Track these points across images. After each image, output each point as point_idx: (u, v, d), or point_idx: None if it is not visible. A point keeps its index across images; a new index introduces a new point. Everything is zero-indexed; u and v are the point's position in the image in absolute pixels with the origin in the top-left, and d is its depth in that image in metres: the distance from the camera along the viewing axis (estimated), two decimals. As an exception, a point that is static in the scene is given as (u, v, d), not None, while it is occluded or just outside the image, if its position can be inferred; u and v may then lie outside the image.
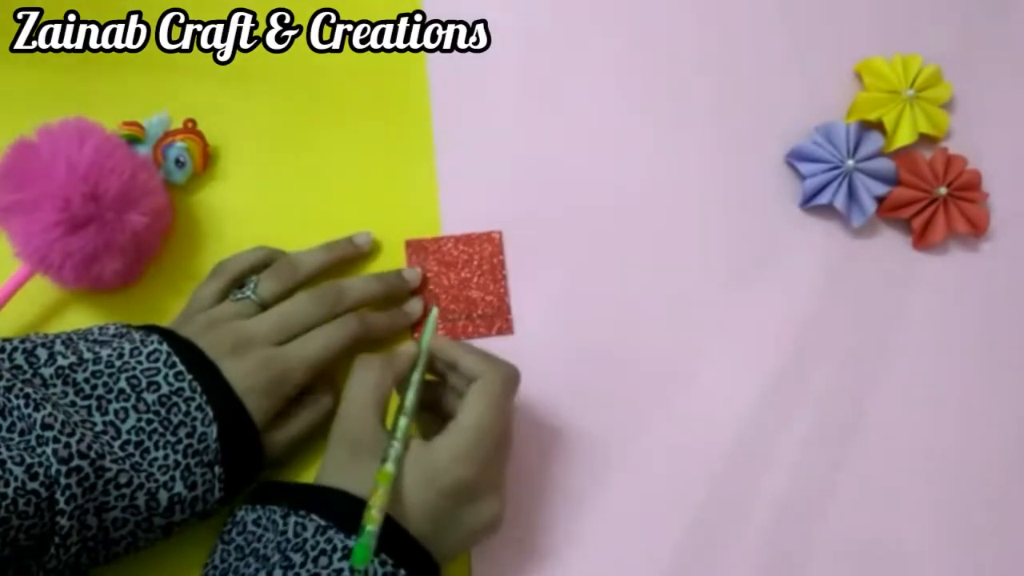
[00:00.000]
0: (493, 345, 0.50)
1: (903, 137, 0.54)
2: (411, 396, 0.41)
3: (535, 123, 0.55)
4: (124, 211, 0.45)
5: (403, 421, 0.40)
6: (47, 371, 0.39)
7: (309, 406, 0.45)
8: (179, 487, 0.39)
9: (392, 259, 0.52)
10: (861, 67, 0.57)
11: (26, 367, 0.39)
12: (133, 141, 0.50)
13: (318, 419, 0.45)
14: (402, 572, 0.37)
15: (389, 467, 0.38)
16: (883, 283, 0.53)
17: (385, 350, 0.49)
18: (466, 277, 0.51)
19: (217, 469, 0.40)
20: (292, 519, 0.37)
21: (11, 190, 0.44)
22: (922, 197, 0.53)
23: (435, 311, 0.46)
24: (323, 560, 0.36)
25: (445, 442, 0.39)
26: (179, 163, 0.50)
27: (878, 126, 0.55)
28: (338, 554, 0.36)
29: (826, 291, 0.53)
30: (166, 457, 0.39)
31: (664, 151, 0.55)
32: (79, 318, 0.49)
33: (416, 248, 0.52)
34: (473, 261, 0.51)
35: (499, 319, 0.51)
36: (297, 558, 0.36)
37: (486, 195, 0.53)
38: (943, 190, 0.53)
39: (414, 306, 0.50)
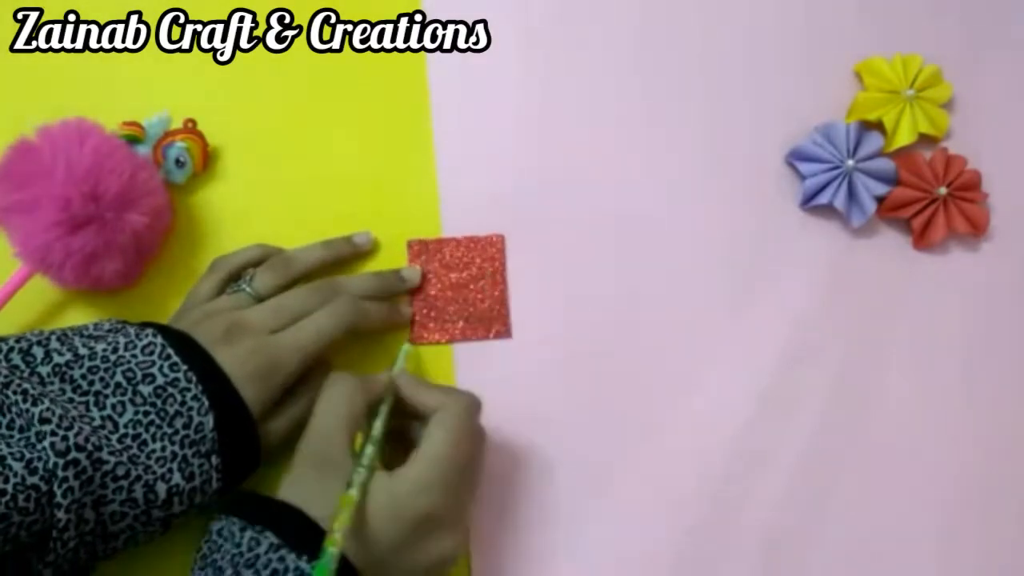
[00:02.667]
0: (491, 348, 0.50)
1: (903, 137, 0.54)
2: (379, 424, 0.41)
3: (535, 124, 0.55)
4: (124, 211, 0.45)
5: (370, 449, 0.39)
6: (44, 369, 0.39)
7: (305, 391, 0.45)
8: (177, 478, 0.39)
9: (392, 259, 0.52)
10: (861, 67, 0.57)
11: (23, 366, 0.39)
12: (133, 141, 0.50)
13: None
14: None
15: (354, 492, 0.37)
16: (883, 283, 0.53)
17: (375, 350, 0.50)
18: (466, 279, 0.51)
19: (214, 459, 0.40)
20: (248, 533, 0.37)
21: (11, 190, 0.44)
22: (922, 197, 0.53)
23: (407, 347, 0.48)
24: None
25: (408, 473, 0.39)
26: (179, 163, 0.50)
27: (878, 126, 0.55)
28: (290, 574, 0.35)
29: (826, 291, 0.53)
30: (163, 449, 0.39)
31: (664, 152, 0.55)
32: (79, 318, 0.49)
33: (418, 249, 0.52)
34: (474, 263, 0.51)
35: (497, 322, 0.51)
36: (248, 575, 0.35)
37: (486, 196, 0.53)
38: (943, 190, 0.53)
39: (406, 310, 0.50)
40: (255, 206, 0.52)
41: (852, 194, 0.53)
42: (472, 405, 0.42)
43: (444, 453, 0.39)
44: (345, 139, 0.54)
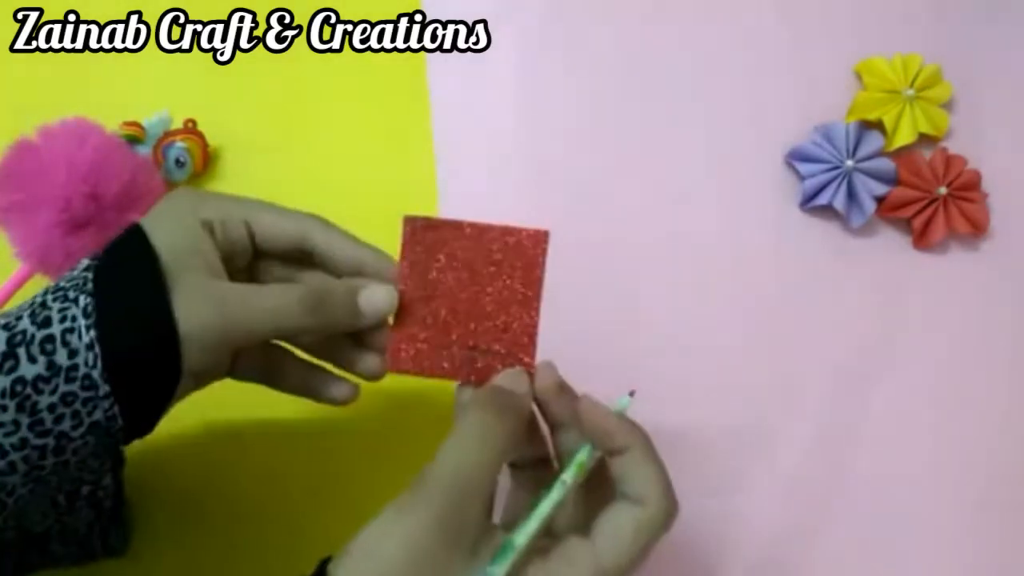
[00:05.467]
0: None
1: (903, 137, 0.55)
2: (553, 496, 0.32)
3: (534, 124, 0.55)
4: (124, 211, 0.45)
5: (532, 524, 0.31)
6: None
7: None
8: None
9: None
10: (861, 67, 0.57)
11: None
12: (133, 141, 0.50)
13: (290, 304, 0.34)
14: None
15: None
16: (883, 283, 0.53)
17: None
18: (484, 284, 0.36)
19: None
20: None
21: (11, 190, 0.44)
22: (922, 197, 0.53)
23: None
24: None
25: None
26: (179, 163, 0.50)
27: (878, 126, 0.55)
28: None
29: (826, 291, 0.53)
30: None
31: (664, 151, 0.55)
32: (79, 318, 0.49)
33: (420, 230, 0.37)
34: (503, 262, 0.36)
35: (520, 352, 0.36)
36: None
37: (486, 197, 0.53)
38: (943, 190, 0.53)
39: (375, 294, 0.36)
40: (255, 206, 0.52)
41: (852, 194, 0.53)
42: (671, 519, 0.33)
43: (619, 566, 0.31)
44: (345, 139, 0.54)
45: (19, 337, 0.31)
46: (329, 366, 0.39)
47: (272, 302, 0.34)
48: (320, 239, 0.37)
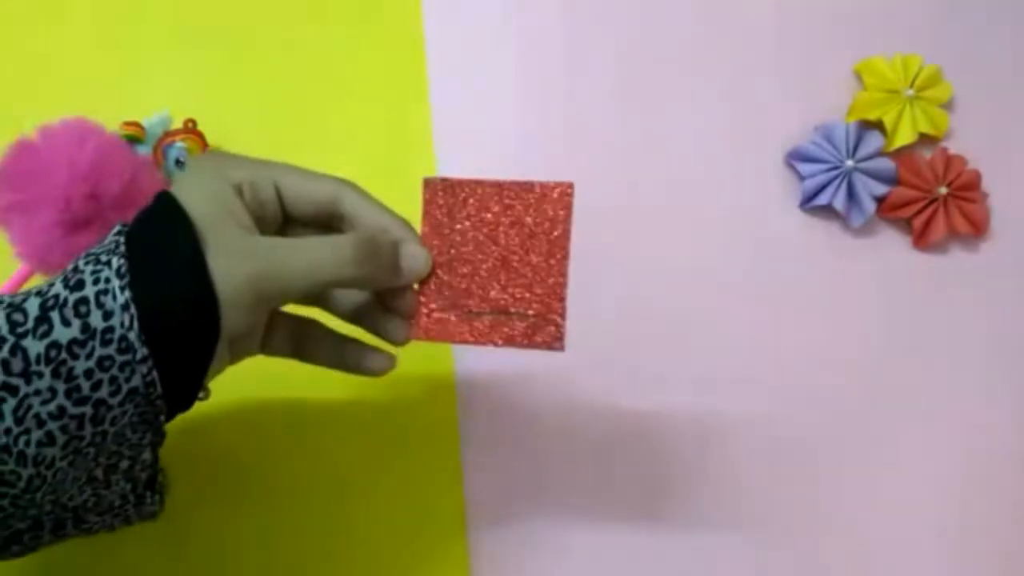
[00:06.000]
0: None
1: (903, 137, 0.55)
2: None
3: (534, 125, 0.55)
4: (125, 211, 0.45)
5: None
6: None
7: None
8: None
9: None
10: (861, 67, 0.57)
11: None
12: (133, 141, 0.50)
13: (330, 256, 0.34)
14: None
15: None
16: (883, 283, 0.54)
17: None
18: (509, 243, 0.35)
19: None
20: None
21: (11, 190, 0.44)
22: (922, 197, 0.53)
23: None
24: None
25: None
26: (179, 163, 0.50)
27: (878, 126, 0.55)
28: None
29: (826, 291, 0.53)
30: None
31: (664, 151, 0.55)
32: (79, 318, 0.49)
33: (440, 193, 0.35)
34: (526, 220, 0.34)
35: (546, 323, 0.34)
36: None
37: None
38: (943, 190, 0.53)
39: (415, 254, 0.35)
40: (255, 206, 0.52)
41: (852, 194, 0.53)
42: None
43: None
44: (345, 142, 0.54)
45: (52, 301, 0.30)
46: (363, 335, 0.38)
47: (318, 251, 0.33)
48: (349, 201, 0.36)
